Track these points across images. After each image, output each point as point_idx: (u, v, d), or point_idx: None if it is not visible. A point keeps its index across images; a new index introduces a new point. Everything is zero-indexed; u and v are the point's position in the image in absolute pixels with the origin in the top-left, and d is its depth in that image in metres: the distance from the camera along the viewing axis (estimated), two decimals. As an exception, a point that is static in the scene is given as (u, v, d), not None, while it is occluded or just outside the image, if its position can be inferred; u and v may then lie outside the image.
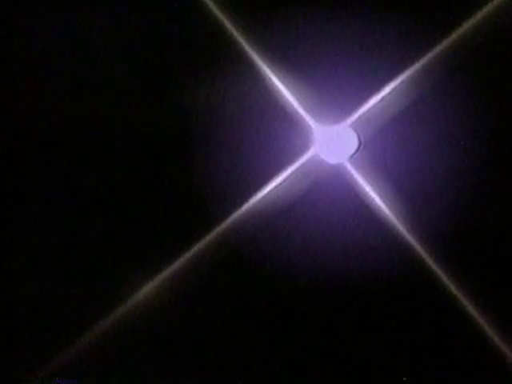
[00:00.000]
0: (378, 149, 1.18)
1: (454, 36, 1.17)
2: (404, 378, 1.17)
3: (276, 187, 1.19)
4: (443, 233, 1.17)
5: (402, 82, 1.17)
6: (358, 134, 1.18)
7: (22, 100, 1.22)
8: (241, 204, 1.19)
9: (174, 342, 1.19)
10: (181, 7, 1.20)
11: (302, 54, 1.19)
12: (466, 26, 1.17)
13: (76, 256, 1.21)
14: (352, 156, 1.18)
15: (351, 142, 1.18)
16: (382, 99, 1.17)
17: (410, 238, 1.17)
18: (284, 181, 1.19)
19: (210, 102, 1.20)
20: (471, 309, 1.16)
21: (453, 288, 1.16)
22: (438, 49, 1.17)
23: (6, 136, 1.22)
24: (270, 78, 1.19)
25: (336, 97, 1.18)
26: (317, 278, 1.18)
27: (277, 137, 1.19)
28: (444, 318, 1.17)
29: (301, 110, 1.19)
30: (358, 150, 1.18)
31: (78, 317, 1.20)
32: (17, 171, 1.22)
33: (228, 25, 1.19)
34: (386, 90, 1.17)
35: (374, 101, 1.18)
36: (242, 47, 1.19)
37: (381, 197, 1.18)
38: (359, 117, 1.18)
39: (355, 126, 1.18)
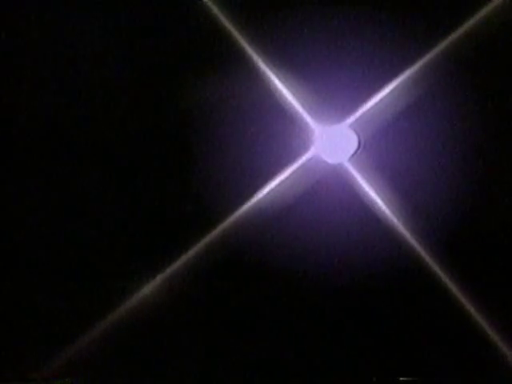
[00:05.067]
0: (378, 149, 1.18)
1: (453, 36, 1.17)
2: (401, 378, 1.17)
3: (276, 187, 1.19)
4: (443, 232, 1.17)
5: (402, 81, 1.17)
6: (357, 134, 1.18)
7: (23, 100, 1.22)
8: (241, 204, 1.19)
9: (174, 341, 1.20)
10: (181, 7, 1.20)
11: (302, 53, 1.19)
12: (466, 26, 1.17)
13: (76, 256, 1.21)
14: (352, 156, 1.19)
15: (351, 142, 1.18)
16: (382, 99, 1.18)
17: (409, 237, 1.17)
18: (284, 181, 1.19)
19: (210, 101, 1.20)
20: (471, 308, 1.16)
21: (453, 287, 1.16)
22: (438, 49, 1.17)
23: (6, 136, 1.22)
24: (270, 78, 1.19)
25: (336, 97, 1.18)
26: (317, 278, 1.18)
27: (277, 137, 1.19)
28: (444, 318, 1.17)
29: (301, 110, 1.19)
30: (357, 150, 1.18)
31: (78, 317, 1.20)
32: (17, 171, 1.22)
33: (228, 25, 1.19)
34: (386, 90, 1.17)
35: (374, 101, 1.18)
36: (242, 47, 1.19)
37: (380, 197, 1.18)
38: (359, 117, 1.18)
39: (355, 126, 1.18)
